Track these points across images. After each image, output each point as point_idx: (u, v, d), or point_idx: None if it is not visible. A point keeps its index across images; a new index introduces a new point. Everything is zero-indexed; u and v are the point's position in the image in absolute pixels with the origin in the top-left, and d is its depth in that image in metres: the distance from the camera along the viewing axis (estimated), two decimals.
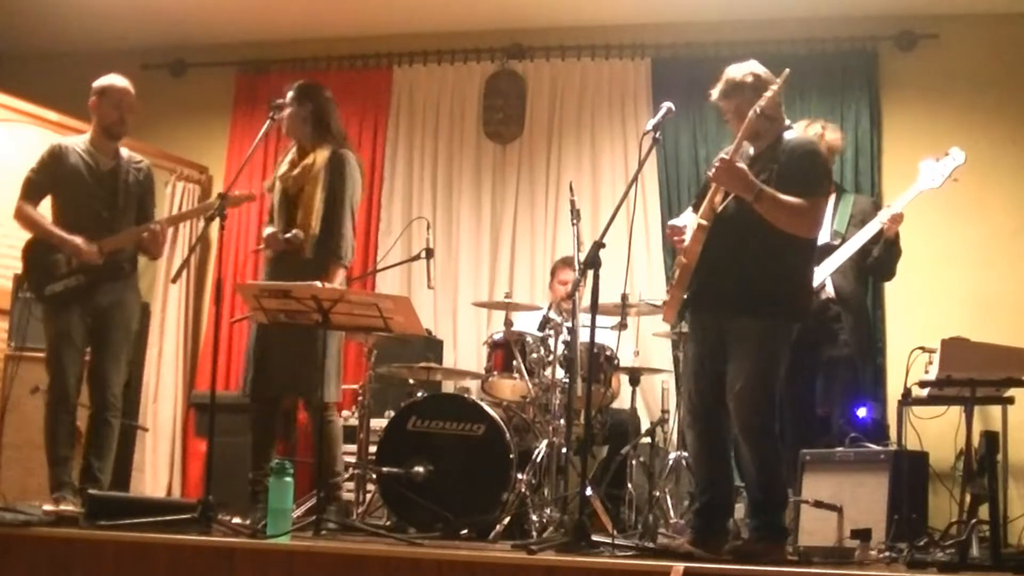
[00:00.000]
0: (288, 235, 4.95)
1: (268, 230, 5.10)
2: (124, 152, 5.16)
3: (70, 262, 4.93)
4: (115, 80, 5.12)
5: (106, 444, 4.98)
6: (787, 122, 4.24)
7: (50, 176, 5.04)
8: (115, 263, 4.99)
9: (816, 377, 5.23)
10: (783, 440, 4.26)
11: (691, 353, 4.30)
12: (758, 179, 4.06)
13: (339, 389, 5.14)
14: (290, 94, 5.09)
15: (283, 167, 5.12)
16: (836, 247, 5.14)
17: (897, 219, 5.13)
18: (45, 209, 5.10)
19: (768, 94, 4.07)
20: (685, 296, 4.20)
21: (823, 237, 5.09)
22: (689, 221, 4.28)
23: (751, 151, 4.20)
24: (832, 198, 5.19)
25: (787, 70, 4.11)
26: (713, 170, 4.08)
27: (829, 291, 5.12)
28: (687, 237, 4.17)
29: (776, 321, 4.09)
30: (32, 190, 5.05)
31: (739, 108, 4.17)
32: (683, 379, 4.48)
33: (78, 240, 4.90)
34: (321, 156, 5.05)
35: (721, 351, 4.12)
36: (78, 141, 5.14)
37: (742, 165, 4.04)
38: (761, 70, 4.21)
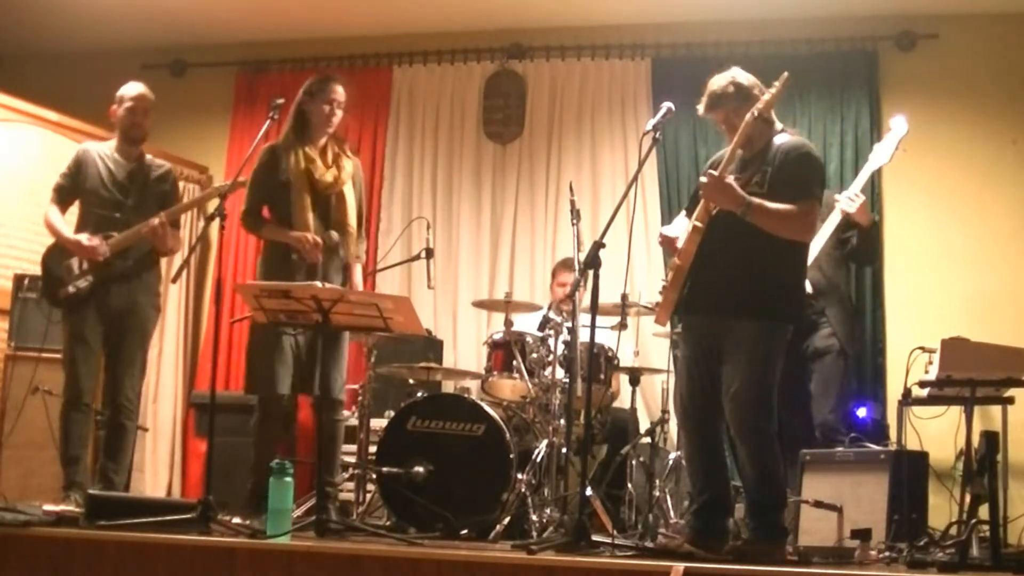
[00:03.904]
0: (327, 238, 4.88)
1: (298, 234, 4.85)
2: (147, 157, 5.23)
3: (81, 264, 4.99)
4: (128, 88, 5.19)
5: (120, 447, 5.03)
6: (778, 126, 4.25)
7: (75, 181, 5.12)
8: (123, 263, 5.02)
9: (804, 375, 5.26)
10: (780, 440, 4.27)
11: (684, 354, 4.31)
12: (751, 182, 4.09)
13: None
14: (342, 90, 4.97)
15: (316, 167, 4.90)
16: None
17: (859, 211, 5.26)
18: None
19: (766, 97, 4.07)
20: (678, 298, 4.21)
21: None
22: (682, 228, 4.29)
23: (740, 155, 4.20)
24: None
25: (786, 73, 4.09)
26: (703, 185, 4.09)
27: (807, 288, 5.18)
28: (680, 243, 4.19)
29: (771, 323, 4.10)
30: (59, 195, 5.15)
31: (727, 118, 4.19)
32: (676, 380, 4.48)
33: (81, 237, 4.97)
34: (349, 158, 5.06)
35: (715, 352, 4.13)
36: (103, 146, 5.22)
37: (730, 180, 4.05)
38: (743, 78, 4.21)
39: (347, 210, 4.99)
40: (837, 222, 5.27)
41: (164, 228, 5.04)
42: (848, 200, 5.27)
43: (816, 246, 5.15)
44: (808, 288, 5.15)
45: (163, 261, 5.44)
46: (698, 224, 4.13)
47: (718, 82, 4.22)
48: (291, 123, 4.96)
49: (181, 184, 7.09)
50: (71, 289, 5.00)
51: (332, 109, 4.94)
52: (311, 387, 4.89)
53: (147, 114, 5.17)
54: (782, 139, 4.20)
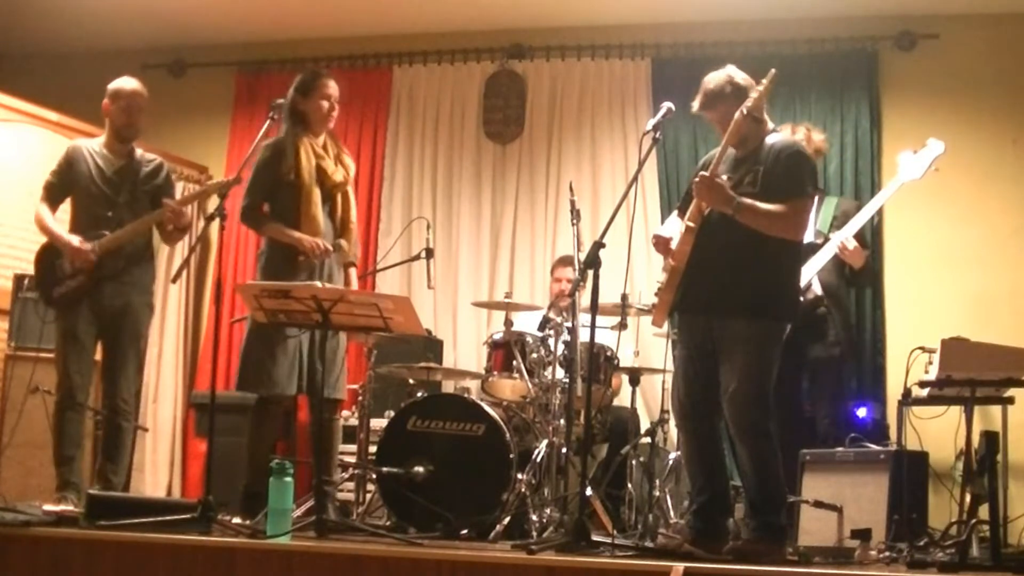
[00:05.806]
0: (336, 246, 4.91)
1: (313, 240, 4.84)
2: (137, 153, 5.16)
3: (73, 263, 4.95)
4: (124, 83, 5.13)
5: (118, 447, 5.01)
6: (771, 125, 4.25)
7: (64, 179, 5.08)
8: (115, 262, 4.98)
9: (803, 377, 5.26)
10: None
11: (681, 354, 4.31)
12: (743, 182, 4.10)
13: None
14: (334, 85, 4.97)
15: (328, 166, 4.92)
16: (820, 246, 5.20)
17: (851, 253, 5.24)
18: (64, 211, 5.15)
19: (754, 95, 4.08)
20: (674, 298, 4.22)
21: (807, 237, 5.13)
22: (675, 227, 4.29)
23: (734, 154, 4.20)
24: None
25: (773, 70, 4.10)
26: (694, 185, 4.09)
27: (816, 290, 5.20)
28: (674, 244, 4.19)
29: (767, 322, 4.10)
30: (50, 193, 5.11)
31: (723, 117, 4.18)
32: (673, 380, 4.48)
33: (73, 241, 4.92)
34: (350, 157, 5.09)
35: (711, 352, 4.13)
36: (93, 143, 5.17)
37: (721, 180, 4.06)
38: (739, 76, 4.22)
39: (351, 209, 5.02)
40: (833, 253, 5.27)
41: (181, 210, 5.00)
42: (842, 243, 5.25)
43: (827, 254, 5.20)
44: (819, 290, 5.16)
45: (158, 260, 5.40)
46: (691, 224, 4.13)
47: (714, 80, 4.22)
48: (290, 122, 4.92)
49: (181, 184, 7.13)
50: (63, 288, 4.97)
51: (331, 105, 4.95)
52: (311, 387, 4.88)
53: (142, 112, 5.11)
54: (774, 139, 4.21)
